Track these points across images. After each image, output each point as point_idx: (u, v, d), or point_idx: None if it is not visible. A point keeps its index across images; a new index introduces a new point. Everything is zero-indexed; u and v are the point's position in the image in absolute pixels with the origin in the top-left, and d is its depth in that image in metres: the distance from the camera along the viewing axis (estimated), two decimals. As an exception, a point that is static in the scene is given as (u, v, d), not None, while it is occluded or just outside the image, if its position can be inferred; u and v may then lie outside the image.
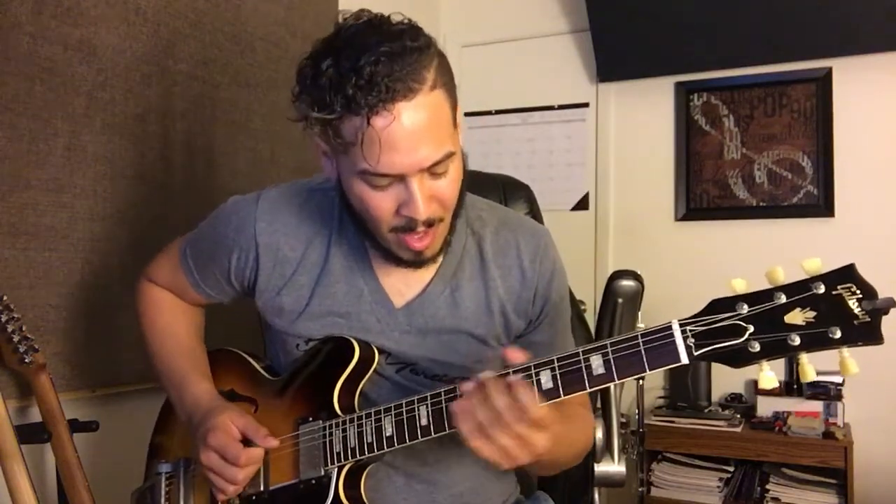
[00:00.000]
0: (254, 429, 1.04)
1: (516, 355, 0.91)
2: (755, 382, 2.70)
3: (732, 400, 2.73)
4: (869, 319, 0.75)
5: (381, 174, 0.93)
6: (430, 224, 0.98)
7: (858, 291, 0.75)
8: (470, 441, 0.87)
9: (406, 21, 0.95)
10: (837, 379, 2.52)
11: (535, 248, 1.15)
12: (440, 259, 1.08)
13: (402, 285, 1.10)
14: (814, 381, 2.55)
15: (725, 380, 2.75)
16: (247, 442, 1.04)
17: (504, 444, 0.86)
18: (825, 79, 2.68)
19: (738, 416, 2.58)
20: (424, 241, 0.99)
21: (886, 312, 0.75)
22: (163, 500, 1.16)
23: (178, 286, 1.23)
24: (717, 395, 2.76)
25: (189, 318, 1.24)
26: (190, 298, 1.24)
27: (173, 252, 1.23)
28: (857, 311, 0.75)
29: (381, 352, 1.09)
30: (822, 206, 2.68)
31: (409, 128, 0.90)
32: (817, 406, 2.51)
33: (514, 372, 0.89)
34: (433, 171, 0.94)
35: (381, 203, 0.96)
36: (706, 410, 2.64)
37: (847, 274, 0.76)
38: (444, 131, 0.94)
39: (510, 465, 0.88)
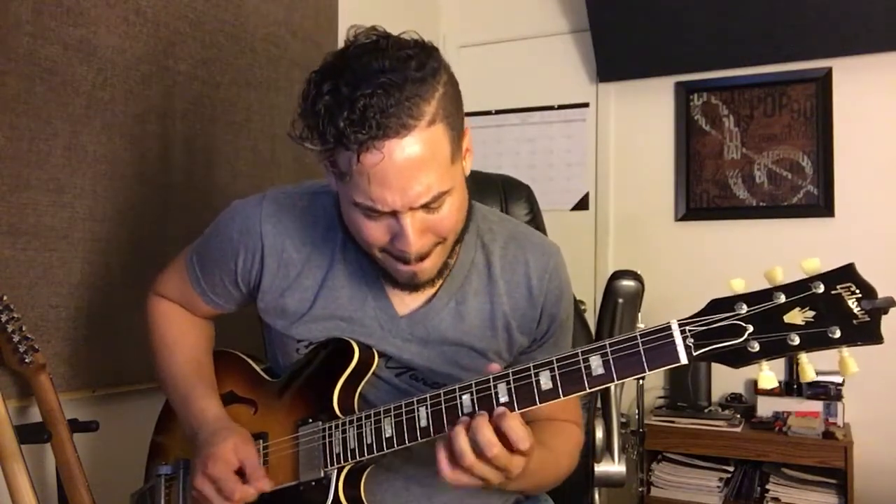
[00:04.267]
0: (252, 467, 1.02)
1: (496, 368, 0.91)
2: (755, 382, 2.69)
3: (732, 400, 2.72)
4: (868, 319, 0.74)
5: (372, 209, 0.92)
6: (421, 258, 0.97)
7: (858, 291, 0.75)
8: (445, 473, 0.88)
9: (416, 43, 0.91)
10: (837, 379, 2.52)
11: (544, 266, 1.13)
12: (438, 282, 1.07)
13: (406, 295, 1.09)
14: (814, 382, 2.55)
15: (725, 380, 2.75)
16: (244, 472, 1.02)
17: (481, 472, 0.86)
18: (825, 79, 2.68)
19: (738, 416, 2.58)
20: (417, 267, 0.99)
21: (886, 312, 0.74)
22: (162, 502, 1.16)
23: (187, 298, 1.21)
24: (717, 395, 2.76)
25: (198, 332, 1.23)
26: (199, 311, 1.22)
27: (179, 263, 1.21)
28: (856, 310, 0.75)
29: (381, 355, 1.09)
30: (822, 206, 2.68)
31: (400, 166, 0.87)
32: (817, 406, 2.51)
33: (514, 373, 0.89)
34: (428, 206, 0.92)
35: (374, 231, 0.96)
36: (706, 410, 2.64)
37: (846, 273, 0.76)
38: (439, 169, 0.91)
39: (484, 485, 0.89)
